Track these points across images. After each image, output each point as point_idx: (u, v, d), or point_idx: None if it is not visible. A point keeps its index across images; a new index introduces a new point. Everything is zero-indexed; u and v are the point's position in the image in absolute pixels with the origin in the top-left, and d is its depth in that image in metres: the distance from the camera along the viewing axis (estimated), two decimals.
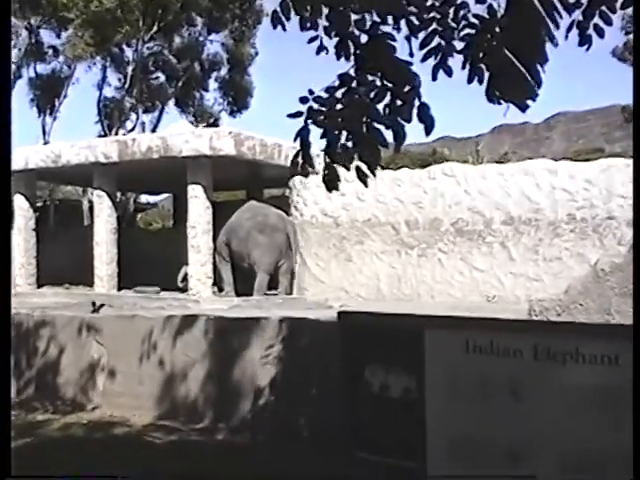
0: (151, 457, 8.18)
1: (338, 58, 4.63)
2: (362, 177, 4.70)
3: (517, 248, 14.75)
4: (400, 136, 4.52)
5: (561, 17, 4.31)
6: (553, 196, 14.35)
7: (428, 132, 4.39)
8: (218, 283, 18.56)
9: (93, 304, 12.51)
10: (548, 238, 14.42)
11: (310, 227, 17.05)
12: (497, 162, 20.75)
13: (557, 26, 4.26)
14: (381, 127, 4.55)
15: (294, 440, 8.46)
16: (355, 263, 16.51)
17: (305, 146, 4.68)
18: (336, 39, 4.64)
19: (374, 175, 4.66)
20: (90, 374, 10.82)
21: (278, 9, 4.66)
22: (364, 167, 4.66)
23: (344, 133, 4.66)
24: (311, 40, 4.71)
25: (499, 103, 4.44)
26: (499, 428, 4.99)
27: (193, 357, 9.87)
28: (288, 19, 4.70)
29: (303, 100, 4.57)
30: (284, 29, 4.72)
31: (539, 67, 4.31)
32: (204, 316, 10.18)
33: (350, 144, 4.67)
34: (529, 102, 4.40)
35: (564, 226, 14.22)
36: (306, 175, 4.85)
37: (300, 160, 4.71)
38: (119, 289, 19.55)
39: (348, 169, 4.76)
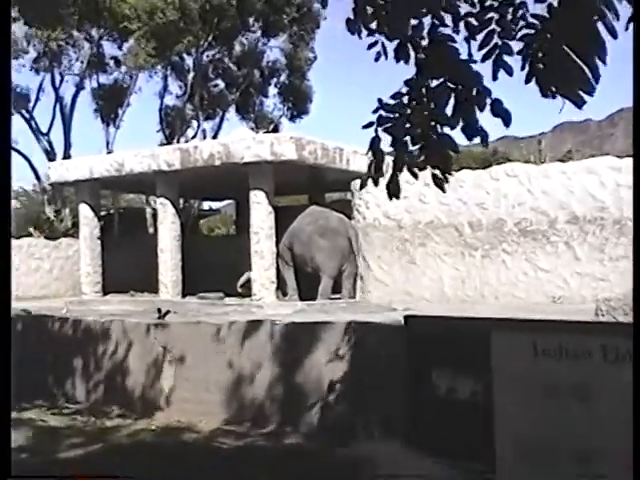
0: (219, 463, 8.23)
1: (397, 61, 4.64)
2: (439, 183, 4.71)
3: (582, 247, 14.55)
4: (481, 133, 4.53)
5: (619, 6, 4.23)
6: (618, 194, 14.12)
7: (507, 124, 4.40)
8: (282, 288, 18.61)
9: (159, 311, 12.62)
10: (614, 237, 14.19)
11: (373, 230, 17.01)
12: (560, 161, 20.46)
13: (617, 16, 4.19)
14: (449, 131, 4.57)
15: (361, 444, 8.45)
16: (418, 265, 16.43)
17: (378, 155, 4.70)
18: (396, 42, 4.65)
19: (447, 181, 4.68)
20: (157, 380, 10.93)
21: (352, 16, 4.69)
22: (438, 173, 4.69)
23: (409, 140, 4.68)
24: (371, 46, 4.72)
25: (553, 97, 4.39)
26: (568, 430, 4.93)
27: (259, 362, 9.92)
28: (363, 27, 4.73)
29: (375, 110, 4.60)
30: (360, 36, 4.74)
31: (597, 60, 4.24)
32: (269, 321, 10.23)
33: (418, 150, 4.69)
34: (586, 97, 4.33)
35: (630, 224, 13.98)
36: (377, 183, 4.86)
37: (373, 169, 4.74)
38: (183, 296, 19.69)
39: (416, 177, 4.77)
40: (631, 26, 4.30)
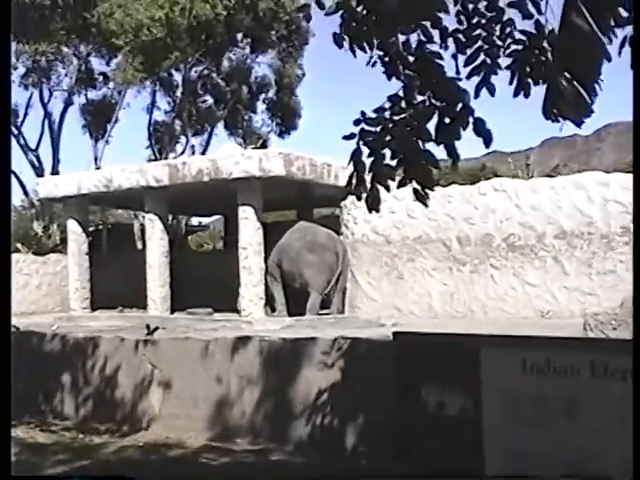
0: (206, 479, 8.21)
1: (389, 78, 4.66)
2: (420, 198, 4.73)
3: (570, 262, 14.59)
4: (454, 154, 4.55)
5: (615, 35, 4.30)
6: (606, 208, 14.18)
7: (487, 145, 4.42)
8: (270, 303, 18.58)
9: (147, 327, 12.57)
10: (602, 251, 14.24)
11: (361, 245, 17.04)
12: (548, 176, 20.52)
13: (610, 41, 4.25)
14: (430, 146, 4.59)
15: (349, 459, 8.44)
16: (407, 281, 16.45)
17: (359, 168, 4.72)
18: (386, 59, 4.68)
19: (428, 196, 4.69)
20: (145, 396, 10.91)
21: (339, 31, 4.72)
22: (418, 188, 4.70)
23: (389, 153, 4.70)
24: (368, 63, 4.74)
25: (557, 120, 4.43)
26: (557, 446, 4.94)
27: (247, 378, 9.90)
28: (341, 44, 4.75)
29: (356, 122, 4.62)
30: (353, 52, 4.77)
31: (595, 84, 4.31)
32: (257, 337, 10.22)
33: (396, 164, 4.70)
34: (584, 118, 4.40)
35: (618, 239, 14.03)
36: (359, 197, 4.87)
37: (354, 181, 4.75)
38: (172, 311, 19.64)
39: (388, 190, 4.79)
40: (624, 51, 4.38)
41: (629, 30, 4.51)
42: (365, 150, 4.74)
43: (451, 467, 5.47)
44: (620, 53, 4.36)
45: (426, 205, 4.76)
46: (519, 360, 5.05)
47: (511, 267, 15.19)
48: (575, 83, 4.24)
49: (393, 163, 4.78)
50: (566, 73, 4.25)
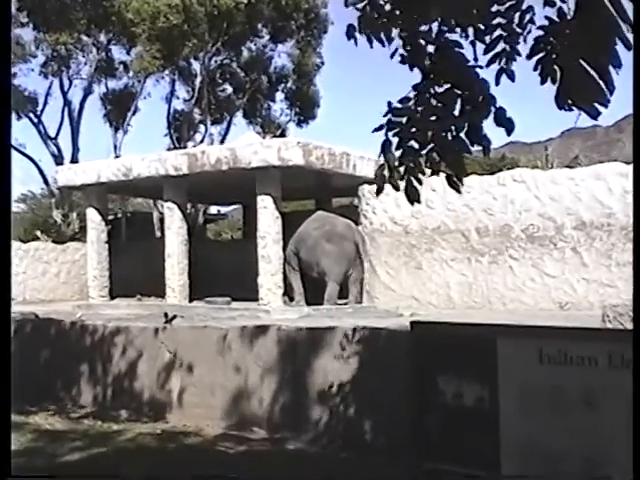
0: (222, 467, 8.22)
1: (411, 69, 4.64)
2: (454, 185, 4.70)
3: (589, 253, 14.53)
4: (485, 140, 4.53)
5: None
6: (625, 200, 14.09)
7: (509, 133, 4.40)
8: (288, 293, 18.62)
9: (165, 315, 12.61)
10: (621, 243, 14.17)
11: (380, 235, 17.01)
12: (567, 166, 20.44)
13: (631, 27, 4.18)
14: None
15: (365, 450, 8.44)
16: (425, 271, 16.42)
17: (389, 159, 4.69)
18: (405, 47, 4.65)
19: (462, 183, 4.67)
20: (164, 385, 10.93)
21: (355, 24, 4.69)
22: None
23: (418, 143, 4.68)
24: (392, 54, 4.71)
25: (570, 110, 4.39)
26: (573, 436, 4.92)
27: (265, 367, 9.91)
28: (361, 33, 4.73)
29: (385, 114, 4.60)
30: (356, 44, 4.74)
31: (612, 71, 4.24)
32: (275, 326, 10.22)
33: (425, 153, 4.68)
34: (601, 108, 4.34)
35: None
36: (397, 187, 4.82)
37: (386, 173, 4.73)
38: (190, 300, 19.72)
39: (421, 183, 4.76)
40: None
41: None
42: (394, 141, 4.71)
43: (467, 458, 5.47)
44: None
45: (460, 192, 4.74)
46: (536, 350, 5.03)
47: (530, 258, 15.14)
48: (590, 71, 4.19)
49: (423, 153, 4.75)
50: (581, 60, 4.22)
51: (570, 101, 4.34)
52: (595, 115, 4.34)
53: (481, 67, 4.58)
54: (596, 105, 4.31)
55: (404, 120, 4.65)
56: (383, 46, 4.73)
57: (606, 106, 4.31)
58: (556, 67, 4.40)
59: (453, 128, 4.61)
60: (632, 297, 6.52)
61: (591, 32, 4.19)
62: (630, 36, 4.19)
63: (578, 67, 4.22)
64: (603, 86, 4.22)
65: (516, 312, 14.03)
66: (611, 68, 4.22)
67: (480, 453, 5.37)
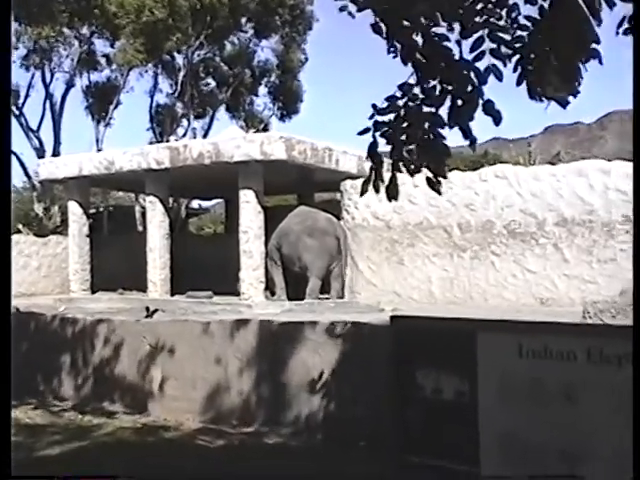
0: (203, 461, 8.22)
1: (405, 64, 4.65)
2: (434, 186, 4.73)
3: (571, 250, 14.58)
4: (471, 135, 4.56)
5: (601, 10, 4.29)
6: (606, 196, 14.15)
7: (497, 123, 4.44)
8: (270, 287, 18.63)
9: (147, 309, 12.62)
10: (602, 239, 14.23)
11: (362, 230, 17.03)
12: (549, 163, 20.53)
13: (600, 23, 4.25)
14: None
15: (346, 444, 8.46)
16: (407, 266, 16.45)
17: (377, 160, 4.71)
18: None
19: (440, 184, 4.70)
20: (144, 378, 10.92)
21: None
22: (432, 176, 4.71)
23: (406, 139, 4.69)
24: (389, 52, 4.71)
25: (541, 100, 4.45)
26: (552, 431, 4.95)
27: (246, 361, 9.91)
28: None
29: (370, 117, 4.61)
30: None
31: (580, 64, 4.32)
32: (256, 320, 10.22)
33: (414, 153, 4.70)
34: (570, 98, 4.43)
35: (618, 227, 14.01)
36: (378, 190, 4.84)
37: (373, 176, 4.75)
38: (172, 294, 19.69)
39: (412, 176, 4.79)
40: (621, 31, 4.36)
41: (629, 10, 4.48)
42: (381, 141, 4.72)
43: (447, 452, 5.49)
44: (617, 33, 4.35)
45: (440, 193, 4.77)
46: (516, 345, 5.05)
47: (511, 254, 15.19)
48: (557, 62, 4.27)
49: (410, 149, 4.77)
50: (549, 50, 4.28)
51: (540, 91, 4.40)
52: (564, 104, 4.44)
53: (468, 62, 4.59)
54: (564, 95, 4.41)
55: (392, 117, 4.66)
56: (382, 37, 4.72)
57: (575, 96, 4.40)
58: (530, 67, 4.46)
59: (437, 128, 4.64)
60: (633, 297, 6.57)
61: (560, 25, 4.24)
62: (598, 30, 4.27)
63: (546, 58, 4.29)
64: (570, 76, 4.30)
65: (498, 308, 14.07)
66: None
67: (460, 447, 5.39)
